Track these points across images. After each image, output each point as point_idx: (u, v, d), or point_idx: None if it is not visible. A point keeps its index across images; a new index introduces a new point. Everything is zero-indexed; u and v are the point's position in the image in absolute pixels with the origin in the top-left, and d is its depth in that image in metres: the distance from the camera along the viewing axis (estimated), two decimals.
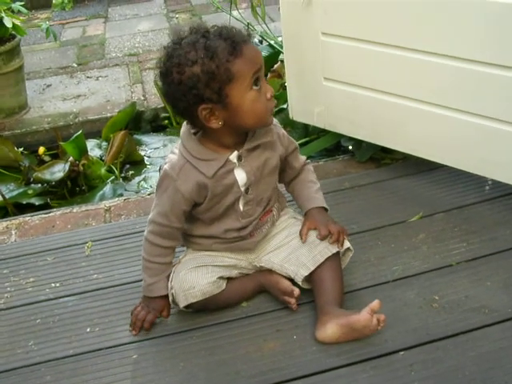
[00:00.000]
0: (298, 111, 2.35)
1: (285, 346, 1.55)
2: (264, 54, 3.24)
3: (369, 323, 1.46)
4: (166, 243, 1.60)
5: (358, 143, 2.33)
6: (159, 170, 1.68)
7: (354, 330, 1.49)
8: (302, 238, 1.65)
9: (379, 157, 2.32)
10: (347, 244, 1.67)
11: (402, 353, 1.50)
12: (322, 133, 2.50)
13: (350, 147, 2.41)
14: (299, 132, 2.67)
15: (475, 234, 1.88)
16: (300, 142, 2.61)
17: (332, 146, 2.53)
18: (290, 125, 2.66)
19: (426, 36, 1.85)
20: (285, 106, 2.58)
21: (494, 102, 1.81)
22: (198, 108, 1.42)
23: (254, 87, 1.43)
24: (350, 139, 2.35)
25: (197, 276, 1.59)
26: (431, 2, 1.80)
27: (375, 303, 1.46)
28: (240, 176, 1.56)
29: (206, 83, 1.39)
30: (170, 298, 1.62)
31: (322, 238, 1.63)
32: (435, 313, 1.61)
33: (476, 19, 1.72)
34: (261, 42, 3.51)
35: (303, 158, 1.77)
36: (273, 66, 3.05)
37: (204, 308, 1.64)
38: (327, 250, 1.62)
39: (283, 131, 1.68)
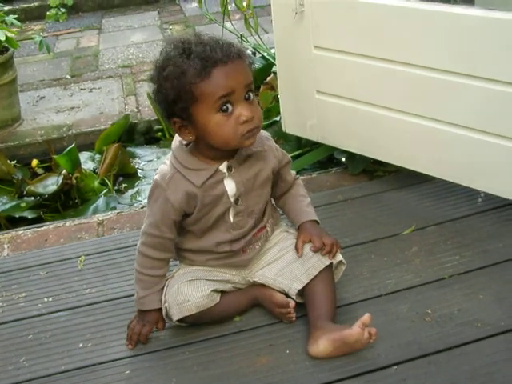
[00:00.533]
0: (290, 124, 2.35)
1: (278, 361, 1.55)
2: (257, 65, 3.25)
3: (360, 337, 1.46)
4: (158, 255, 1.60)
5: (350, 156, 2.34)
6: None
7: (346, 344, 1.48)
8: (297, 252, 1.65)
9: (372, 169, 2.33)
10: (340, 257, 1.67)
11: (394, 367, 1.50)
12: (314, 145, 2.50)
13: (343, 159, 2.41)
14: (292, 145, 2.67)
15: (468, 246, 1.88)
16: (293, 154, 2.61)
17: (325, 158, 2.54)
18: (282, 137, 2.67)
19: (416, 50, 1.86)
20: (277, 119, 2.59)
21: (480, 114, 1.83)
22: (171, 120, 1.49)
23: (222, 111, 1.43)
24: (343, 152, 2.35)
25: (191, 289, 1.59)
26: (420, 15, 1.81)
27: (366, 317, 1.46)
28: (230, 186, 1.56)
29: (173, 100, 1.44)
30: (164, 312, 1.61)
31: (316, 250, 1.63)
32: (428, 326, 1.61)
33: (465, 33, 1.74)
34: (254, 53, 3.53)
35: (294, 172, 1.78)
36: (266, 78, 3.05)
37: (197, 322, 1.63)
38: (320, 262, 1.62)
39: (275, 144, 1.68)
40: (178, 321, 1.60)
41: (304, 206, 1.74)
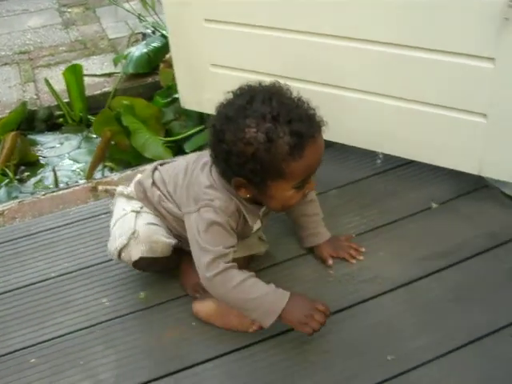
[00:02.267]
0: (188, 99, 2.34)
1: (184, 334, 1.55)
2: (157, 44, 3.21)
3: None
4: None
5: None
6: None
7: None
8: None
9: None
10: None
11: None
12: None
13: None
14: (194, 120, 2.66)
15: (368, 206, 1.93)
16: (196, 130, 2.61)
17: None
18: (184, 114, 2.66)
19: (307, 17, 1.88)
20: (177, 96, 2.57)
21: (381, 78, 1.88)
22: (233, 177, 1.37)
23: (297, 188, 1.37)
24: None
25: (161, 233, 1.55)
26: None
27: None
28: (256, 226, 1.58)
29: (252, 169, 1.31)
30: (122, 242, 1.52)
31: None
32: (331, 286, 1.65)
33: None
34: (153, 32, 3.49)
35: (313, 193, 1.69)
36: (165, 56, 3.03)
37: (148, 268, 1.63)
38: None
39: None
40: (135, 261, 1.54)
41: (318, 228, 1.74)
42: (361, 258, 1.73)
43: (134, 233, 1.52)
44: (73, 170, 2.83)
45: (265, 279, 1.53)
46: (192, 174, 1.50)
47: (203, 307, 1.56)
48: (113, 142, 2.74)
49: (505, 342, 1.47)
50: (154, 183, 1.60)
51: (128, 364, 1.49)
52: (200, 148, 2.49)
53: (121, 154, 2.75)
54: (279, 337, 1.52)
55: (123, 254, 1.54)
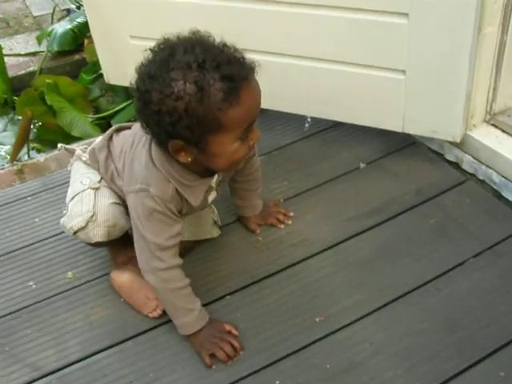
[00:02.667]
0: (112, 74, 2.29)
1: (112, 310, 1.54)
2: (81, 19, 3.13)
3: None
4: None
5: None
6: None
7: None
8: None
9: None
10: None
11: (228, 297, 1.53)
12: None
13: None
14: (122, 96, 2.62)
15: (295, 171, 1.92)
16: (124, 105, 2.57)
17: None
18: (111, 90, 2.60)
19: None
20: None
21: (301, 40, 1.86)
22: (169, 141, 1.22)
23: (241, 139, 1.23)
24: None
25: (120, 212, 1.48)
26: None
27: None
28: (212, 196, 1.48)
29: (186, 125, 1.17)
30: (79, 224, 1.45)
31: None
32: (259, 253, 1.64)
33: None
34: (78, 7, 3.40)
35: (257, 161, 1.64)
36: (89, 31, 2.94)
37: (103, 245, 1.56)
38: None
39: None
40: (95, 242, 1.49)
41: (254, 200, 1.71)
42: (289, 222, 1.72)
43: (92, 216, 1.44)
44: None
45: (193, 250, 1.54)
46: (136, 149, 1.41)
47: (119, 277, 1.55)
48: (40, 123, 2.67)
49: (431, 295, 1.49)
50: (107, 157, 1.50)
51: (56, 345, 1.47)
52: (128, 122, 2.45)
53: (49, 135, 2.69)
54: (216, 302, 1.52)
55: (79, 234, 1.47)
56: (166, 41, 1.23)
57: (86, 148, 1.58)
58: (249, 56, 1.23)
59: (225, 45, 1.22)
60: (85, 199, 1.47)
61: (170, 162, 1.31)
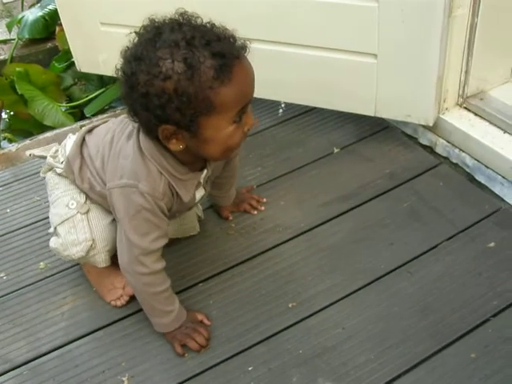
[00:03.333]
0: (83, 62, 2.26)
1: (84, 299, 1.53)
2: (53, 6, 3.07)
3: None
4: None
5: None
6: None
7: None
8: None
9: None
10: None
11: (200, 284, 1.52)
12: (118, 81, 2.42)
13: None
14: (95, 84, 2.59)
15: (269, 157, 1.91)
16: (97, 93, 2.54)
17: None
18: (83, 78, 2.57)
19: None
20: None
21: (272, 25, 1.84)
22: (159, 126, 1.15)
23: (235, 122, 1.17)
24: None
25: (111, 236, 1.43)
26: None
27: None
28: (200, 193, 1.41)
29: (176, 107, 1.10)
30: (79, 254, 1.41)
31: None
32: (232, 239, 1.63)
33: None
34: None
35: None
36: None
37: None
38: None
39: None
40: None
41: (231, 190, 1.68)
42: (262, 208, 1.71)
43: (92, 245, 1.41)
44: None
45: None
46: (118, 143, 1.33)
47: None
48: (11, 112, 2.64)
49: (403, 278, 1.49)
50: (81, 165, 1.41)
51: (27, 336, 1.45)
52: (101, 111, 2.42)
53: (21, 124, 2.65)
54: (189, 289, 1.52)
55: (81, 261, 1.48)
56: (151, 22, 1.16)
57: (57, 152, 1.49)
58: (239, 36, 1.17)
59: (213, 24, 1.17)
60: (78, 226, 1.41)
61: (161, 153, 1.24)
